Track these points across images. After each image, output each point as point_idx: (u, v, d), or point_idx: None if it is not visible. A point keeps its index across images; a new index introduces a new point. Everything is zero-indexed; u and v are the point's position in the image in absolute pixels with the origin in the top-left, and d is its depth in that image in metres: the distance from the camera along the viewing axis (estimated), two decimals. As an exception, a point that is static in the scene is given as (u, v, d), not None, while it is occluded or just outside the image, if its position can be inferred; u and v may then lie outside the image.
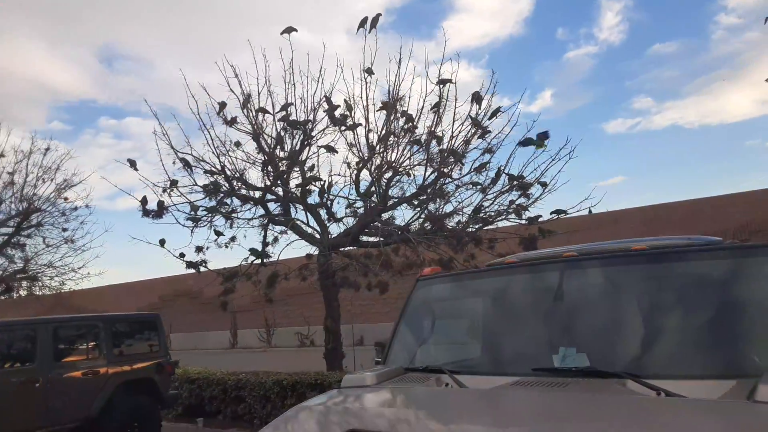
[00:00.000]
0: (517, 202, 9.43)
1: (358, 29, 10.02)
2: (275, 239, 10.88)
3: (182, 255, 10.92)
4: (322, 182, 10.11)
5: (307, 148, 10.36)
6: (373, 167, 10.01)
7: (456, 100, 9.61)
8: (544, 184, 9.48)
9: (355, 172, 10.31)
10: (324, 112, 10.31)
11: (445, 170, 9.74)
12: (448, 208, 9.34)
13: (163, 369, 9.86)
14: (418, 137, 9.70)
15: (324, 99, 10.40)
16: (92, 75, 70.14)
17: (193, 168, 10.58)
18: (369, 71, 10.02)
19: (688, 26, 58.63)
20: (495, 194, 9.86)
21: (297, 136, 10.44)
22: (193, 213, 10.36)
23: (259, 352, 26.35)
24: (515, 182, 9.75)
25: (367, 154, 9.97)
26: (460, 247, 9.04)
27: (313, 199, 11.16)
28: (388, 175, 10.10)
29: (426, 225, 9.29)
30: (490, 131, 9.47)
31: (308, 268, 10.83)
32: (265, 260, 11.54)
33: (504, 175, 9.78)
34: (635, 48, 58.38)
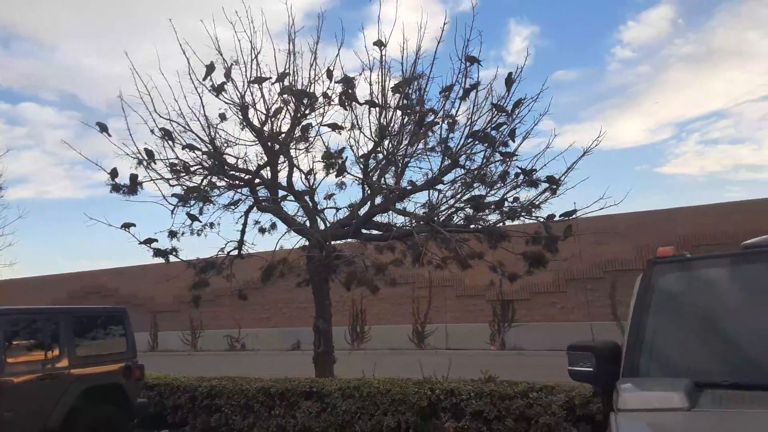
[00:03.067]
0: (535, 199, 8.76)
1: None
2: (263, 229, 9.59)
3: (149, 241, 9.39)
4: (337, 161, 8.92)
5: (307, 125, 9.16)
6: (386, 150, 9.03)
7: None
8: (553, 181, 8.81)
9: (361, 156, 9.27)
10: (330, 86, 9.19)
11: (462, 160, 8.96)
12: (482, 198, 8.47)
13: (132, 373, 8.38)
14: (434, 120, 8.81)
15: (325, 72, 9.31)
16: (-17, 53, 63.91)
17: (175, 141, 9.12)
18: (380, 43, 9.05)
19: (587, 56, 62.22)
20: (509, 188, 9.18)
21: (297, 110, 9.23)
22: (182, 190, 8.90)
23: (183, 356, 24.35)
24: (525, 177, 9.12)
25: (376, 137, 8.98)
26: (493, 243, 8.29)
27: (299, 186, 10.01)
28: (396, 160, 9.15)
29: (459, 215, 8.43)
30: (514, 117, 8.75)
31: (299, 263, 9.64)
32: (242, 252, 10.25)
33: (517, 169, 9.14)
34: (540, 73, 60.88)
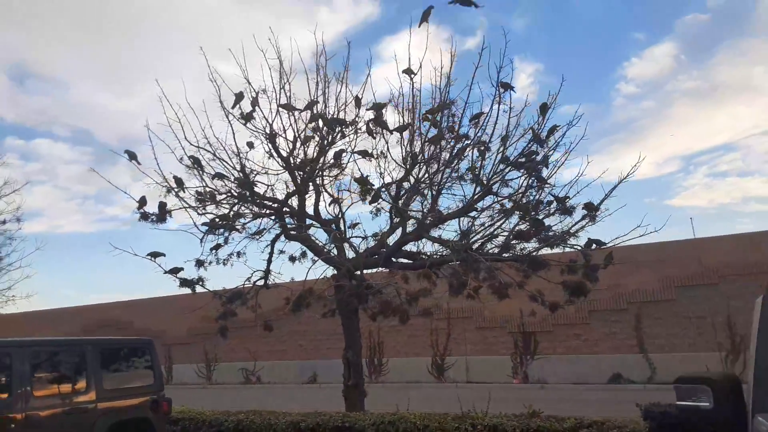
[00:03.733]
0: (572, 227, 8.49)
1: None
2: (294, 258, 9.38)
3: (175, 270, 9.19)
4: (372, 187, 8.72)
5: (340, 151, 9.01)
6: (416, 177, 8.86)
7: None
8: (591, 208, 8.55)
9: (391, 183, 9.10)
10: (359, 113, 9.07)
11: (496, 187, 8.75)
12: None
13: (159, 407, 8.11)
14: (469, 145, 8.64)
15: (354, 100, 9.21)
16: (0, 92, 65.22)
17: (204, 169, 9.01)
18: (409, 71, 8.95)
19: (593, 92, 62.68)
20: (543, 216, 8.93)
21: (326, 138, 9.11)
22: (214, 217, 8.73)
23: (197, 389, 23.94)
24: (560, 205, 8.87)
25: (408, 163, 8.82)
26: (531, 272, 8.02)
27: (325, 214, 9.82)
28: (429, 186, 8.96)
29: (493, 242, 8.18)
30: (548, 144, 8.56)
31: (331, 293, 9.38)
32: (268, 282, 10.03)
33: (550, 196, 8.90)
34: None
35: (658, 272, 20.50)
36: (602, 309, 21.21)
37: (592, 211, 8.34)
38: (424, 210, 8.66)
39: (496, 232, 8.33)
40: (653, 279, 20.48)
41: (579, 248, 8.77)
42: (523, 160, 8.58)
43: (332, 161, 8.94)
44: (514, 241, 8.11)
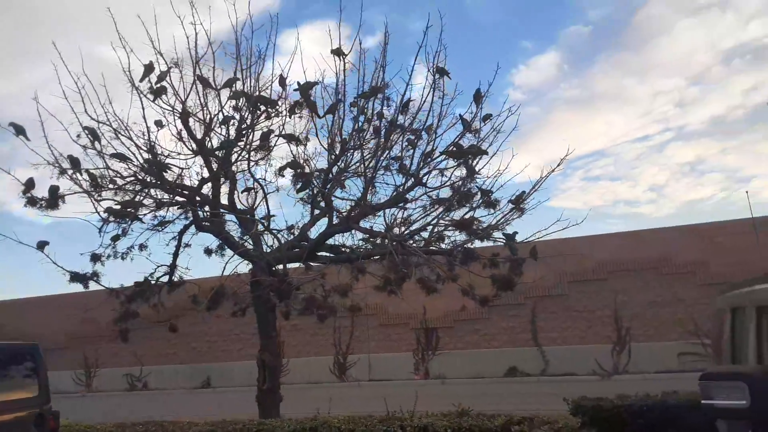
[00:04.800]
0: (501, 220, 8.34)
1: None
2: (210, 250, 8.50)
3: (41, 244, 8.00)
4: (304, 172, 8.00)
5: (268, 133, 8.24)
6: (347, 164, 8.32)
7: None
8: (519, 200, 8.46)
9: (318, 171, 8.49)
10: (283, 94, 8.37)
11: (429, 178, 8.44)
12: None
13: (45, 422, 6.97)
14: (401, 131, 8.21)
15: (278, 79, 8.50)
16: None
17: (103, 148, 7.90)
18: (338, 52, 8.39)
19: (488, 97, 65.18)
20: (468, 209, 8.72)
21: (247, 120, 8.31)
22: (117, 204, 7.63)
23: (76, 398, 21.79)
24: (484, 197, 8.72)
25: (337, 150, 8.26)
26: (461, 266, 7.74)
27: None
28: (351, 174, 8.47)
29: (421, 235, 7.81)
30: (479, 134, 8.34)
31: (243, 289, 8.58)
32: (174, 278, 9.09)
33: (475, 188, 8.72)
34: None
35: (552, 268, 21.34)
36: (501, 304, 21.70)
37: (520, 202, 8.22)
38: (354, 200, 8.14)
39: (428, 224, 7.98)
40: (550, 274, 21.28)
41: (504, 242, 8.66)
42: (454, 149, 8.32)
43: (258, 143, 8.15)
44: (448, 232, 7.82)
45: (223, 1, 8.39)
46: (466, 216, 8.19)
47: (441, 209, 8.45)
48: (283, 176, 9.37)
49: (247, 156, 8.31)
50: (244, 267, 9.11)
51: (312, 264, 9.18)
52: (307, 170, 8.10)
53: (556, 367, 20.08)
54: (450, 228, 7.94)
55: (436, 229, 7.99)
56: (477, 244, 8.69)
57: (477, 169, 8.02)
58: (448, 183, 8.29)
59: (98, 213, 7.94)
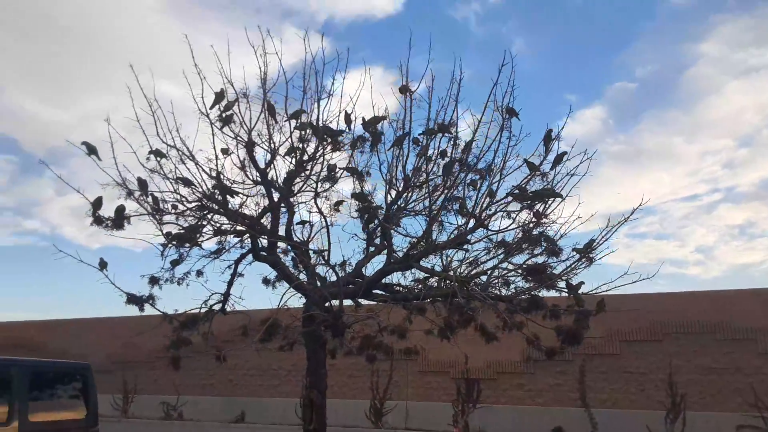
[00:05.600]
0: (570, 268, 7.98)
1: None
2: (268, 281, 8.40)
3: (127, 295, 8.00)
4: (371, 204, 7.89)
5: (334, 165, 8.21)
6: (407, 201, 8.17)
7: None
8: (589, 248, 8.07)
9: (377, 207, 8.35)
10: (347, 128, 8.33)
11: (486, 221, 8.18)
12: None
13: (93, 445, 6.83)
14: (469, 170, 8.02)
15: (343, 115, 8.49)
16: None
17: (168, 170, 7.98)
18: (404, 89, 8.35)
19: (531, 148, 65.14)
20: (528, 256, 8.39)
21: (308, 151, 8.30)
22: (180, 229, 7.65)
23: (112, 422, 21.77)
24: (549, 244, 8.38)
25: (400, 186, 8.13)
26: (527, 313, 7.40)
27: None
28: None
29: (496, 278, 7.53)
30: (549, 177, 8.06)
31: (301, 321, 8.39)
32: (226, 306, 8.99)
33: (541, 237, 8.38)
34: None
35: (603, 324, 20.51)
36: (547, 359, 20.92)
37: (589, 251, 7.86)
38: (416, 238, 7.93)
39: (495, 266, 7.69)
40: (599, 331, 20.45)
41: (567, 292, 8.27)
42: (517, 191, 8.06)
43: (325, 173, 8.10)
44: (512, 276, 7.51)
45: (296, 34, 8.52)
46: (528, 262, 7.86)
47: (502, 252, 8.16)
48: (339, 211, 9.30)
49: (314, 186, 8.25)
50: (296, 300, 8.95)
51: (366, 302, 8.96)
52: (374, 203, 7.96)
53: (605, 431, 19.07)
54: (517, 273, 7.61)
55: (499, 273, 7.68)
56: (552, 293, 8.36)
57: (545, 213, 7.72)
58: (512, 227, 8.01)
59: (163, 235, 7.97)
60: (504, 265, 7.71)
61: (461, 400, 21.51)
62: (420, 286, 8.76)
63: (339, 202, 9.15)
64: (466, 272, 7.61)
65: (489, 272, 7.68)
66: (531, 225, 7.64)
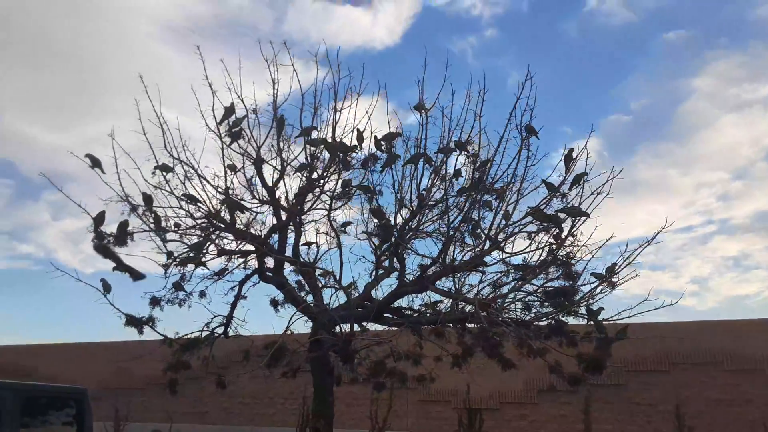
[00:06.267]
0: (591, 292, 7.66)
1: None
2: (276, 302, 8.03)
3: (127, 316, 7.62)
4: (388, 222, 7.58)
5: (348, 181, 7.92)
6: (420, 222, 7.87)
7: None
8: (611, 272, 7.75)
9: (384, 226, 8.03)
10: (359, 147, 8.06)
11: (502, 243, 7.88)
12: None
13: (85, 477, 6.37)
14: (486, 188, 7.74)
15: (356, 133, 8.24)
16: None
17: (174, 187, 7.67)
18: (420, 107, 8.12)
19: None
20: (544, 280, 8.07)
21: (318, 168, 8.02)
22: (186, 248, 7.32)
23: (101, 452, 21.02)
24: (565, 270, 8.06)
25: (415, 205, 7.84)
26: (547, 340, 7.06)
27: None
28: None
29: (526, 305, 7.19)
30: (567, 197, 7.78)
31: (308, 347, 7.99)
32: (229, 331, 8.60)
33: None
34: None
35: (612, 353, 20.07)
36: (552, 389, 20.43)
37: (611, 276, 7.53)
38: (431, 258, 7.61)
39: (514, 289, 7.37)
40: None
41: (587, 318, 7.93)
42: (539, 211, 7.78)
43: (339, 190, 7.81)
44: (531, 299, 7.18)
45: (309, 52, 8.32)
46: (548, 286, 7.54)
47: (519, 276, 7.85)
48: (346, 232, 9.00)
49: (327, 203, 7.94)
50: (300, 325, 8.59)
51: (374, 327, 8.60)
52: (390, 221, 7.66)
53: (610, 464, 18.52)
54: (537, 297, 7.28)
55: (517, 297, 7.35)
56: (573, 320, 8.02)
57: (571, 233, 7.43)
58: (532, 248, 7.70)
59: (165, 254, 7.62)
60: (526, 287, 7.38)
61: (463, 431, 20.94)
62: (429, 311, 8.42)
63: (346, 223, 8.86)
64: (489, 294, 7.28)
65: (509, 295, 7.35)
66: (555, 246, 7.32)
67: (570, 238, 7.34)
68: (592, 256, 7.35)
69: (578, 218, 7.39)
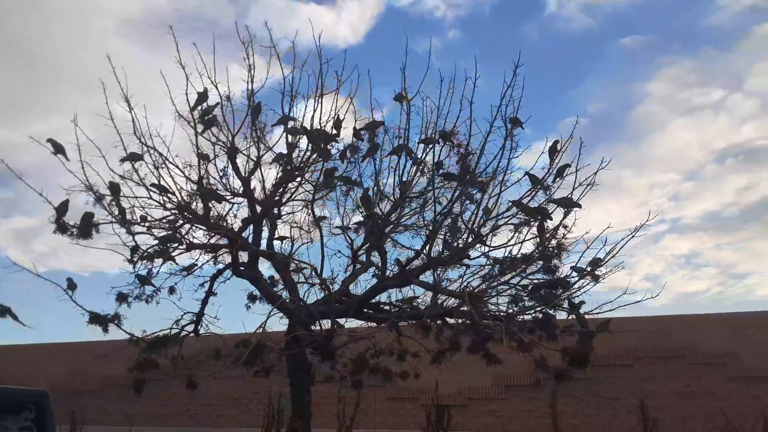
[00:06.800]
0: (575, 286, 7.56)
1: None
2: (254, 296, 7.66)
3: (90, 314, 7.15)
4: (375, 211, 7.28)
5: (332, 169, 7.58)
6: (400, 215, 7.62)
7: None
8: (596, 264, 7.67)
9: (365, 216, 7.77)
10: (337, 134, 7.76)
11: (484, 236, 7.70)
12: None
13: (47, 489, 5.90)
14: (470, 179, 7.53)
15: (334, 120, 7.93)
16: None
17: (143, 176, 7.22)
18: (400, 97, 7.86)
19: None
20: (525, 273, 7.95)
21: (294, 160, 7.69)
22: (156, 239, 6.87)
23: (55, 458, 20.09)
24: (545, 263, 7.95)
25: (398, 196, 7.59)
26: (534, 333, 6.91)
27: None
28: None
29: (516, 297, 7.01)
30: (551, 190, 7.65)
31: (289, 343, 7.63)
32: (199, 329, 8.20)
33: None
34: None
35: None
36: (519, 384, 20.53)
37: (596, 268, 7.45)
38: (415, 251, 7.38)
39: (499, 283, 7.19)
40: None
41: (569, 311, 7.83)
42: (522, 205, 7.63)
43: (322, 180, 7.47)
44: (526, 295, 7.02)
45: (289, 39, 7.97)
46: (535, 279, 7.40)
47: (499, 269, 7.70)
48: (319, 227, 8.70)
49: (309, 193, 7.61)
50: (274, 322, 8.25)
51: (350, 322, 8.32)
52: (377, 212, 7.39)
53: (576, 458, 18.70)
54: (527, 290, 7.13)
55: (503, 290, 7.19)
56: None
57: (555, 225, 7.30)
58: (516, 241, 7.54)
59: (129, 250, 7.17)
60: (515, 280, 7.22)
61: (431, 428, 20.84)
62: (407, 306, 8.20)
63: (322, 218, 8.56)
64: (474, 288, 7.07)
65: (497, 288, 7.17)
66: (544, 238, 7.18)
67: (562, 230, 7.21)
68: (588, 247, 7.24)
69: (570, 209, 7.26)
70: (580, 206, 7.23)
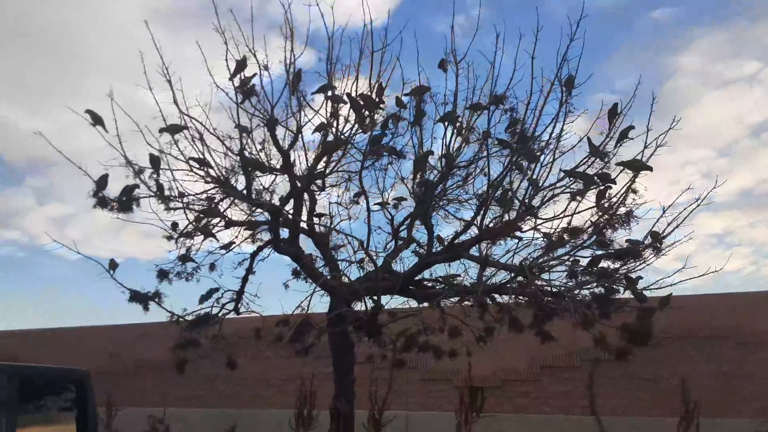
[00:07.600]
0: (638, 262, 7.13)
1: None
2: (298, 272, 7.40)
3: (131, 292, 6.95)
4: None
5: (380, 136, 7.23)
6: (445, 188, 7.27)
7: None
8: (656, 238, 7.22)
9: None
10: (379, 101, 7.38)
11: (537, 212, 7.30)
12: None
13: (92, 469, 5.74)
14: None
15: (376, 87, 7.57)
16: None
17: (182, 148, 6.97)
18: (444, 64, 7.46)
19: None
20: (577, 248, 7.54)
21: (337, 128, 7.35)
22: (197, 214, 6.63)
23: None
24: (598, 237, 7.53)
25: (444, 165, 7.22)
26: (597, 309, 6.54)
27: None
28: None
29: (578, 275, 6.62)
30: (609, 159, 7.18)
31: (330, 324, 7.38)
32: (240, 308, 7.98)
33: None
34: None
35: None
36: (554, 365, 20.13)
37: (658, 241, 7.00)
38: (466, 221, 7.02)
39: (560, 255, 6.81)
40: (610, 335, 19.71)
41: (625, 287, 7.43)
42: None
43: (368, 149, 7.14)
44: (587, 269, 6.62)
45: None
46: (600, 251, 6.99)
47: (545, 243, 7.30)
48: (358, 203, 8.41)
49: (355, 162, 7.30)
50: (313, 301, 8.00)
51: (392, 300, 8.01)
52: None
53: (614, 440, 18.30)
54: (590, 265, 6.72)
55: (564, 263, 6.80)
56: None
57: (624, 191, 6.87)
58: (574, 211, 7.12)
59: (167, 228, 6.94)
60: (576, 253, 6.83)
61: (464, 410, 20.58)
62: (446, 285, 7.86)
63: (359, 193, 8.24)
64: (532, 262, 6.70)
65: (556, 260, 6.79)
66: (613, 205, 6.75)
67: (632, 195, 6.77)
68: (663, 215, 6.79)
69: (638, 172, 6.81)
70: (651, 168, 6.77)
